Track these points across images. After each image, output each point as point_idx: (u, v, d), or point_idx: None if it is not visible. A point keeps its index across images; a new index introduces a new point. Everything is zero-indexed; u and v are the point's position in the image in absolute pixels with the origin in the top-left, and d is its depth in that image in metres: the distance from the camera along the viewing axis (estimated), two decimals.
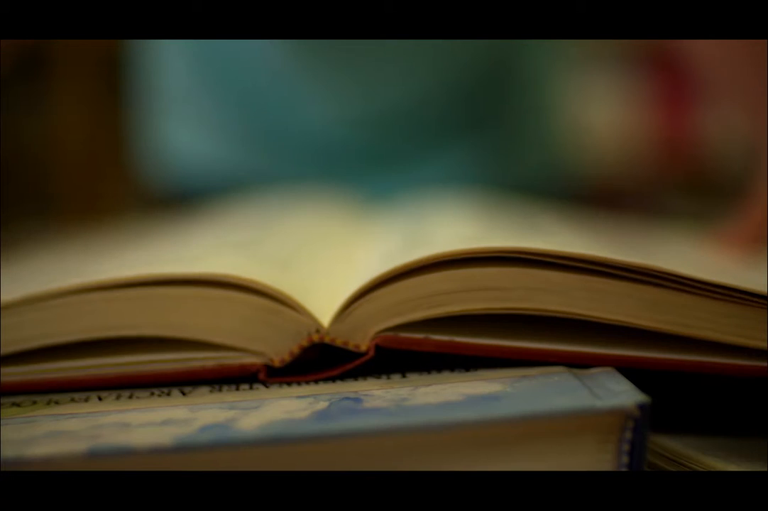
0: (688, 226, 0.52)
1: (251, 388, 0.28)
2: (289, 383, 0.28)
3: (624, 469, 0.23)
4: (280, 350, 0.28)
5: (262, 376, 0.28)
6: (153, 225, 0.56)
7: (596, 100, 1.75)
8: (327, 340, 0.28)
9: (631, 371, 0.27)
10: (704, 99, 1.25)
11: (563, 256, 0.27)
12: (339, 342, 0.28)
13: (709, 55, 0.55)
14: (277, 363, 0.28)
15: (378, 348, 0.28)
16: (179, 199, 0.77)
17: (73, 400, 0.28)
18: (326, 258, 0.37)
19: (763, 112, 0.47)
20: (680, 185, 1.73)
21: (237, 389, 0.28)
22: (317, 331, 0.28)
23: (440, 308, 0.28)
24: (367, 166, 0.72)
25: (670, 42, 0.61)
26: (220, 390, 0.28)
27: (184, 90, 0.79)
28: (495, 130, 0.76)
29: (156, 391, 0.28)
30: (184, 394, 0.28)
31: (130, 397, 0.28)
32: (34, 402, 0.28)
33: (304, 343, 0.28)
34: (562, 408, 0.23)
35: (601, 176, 1.64)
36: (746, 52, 0.52)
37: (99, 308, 0.28)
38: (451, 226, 0.36)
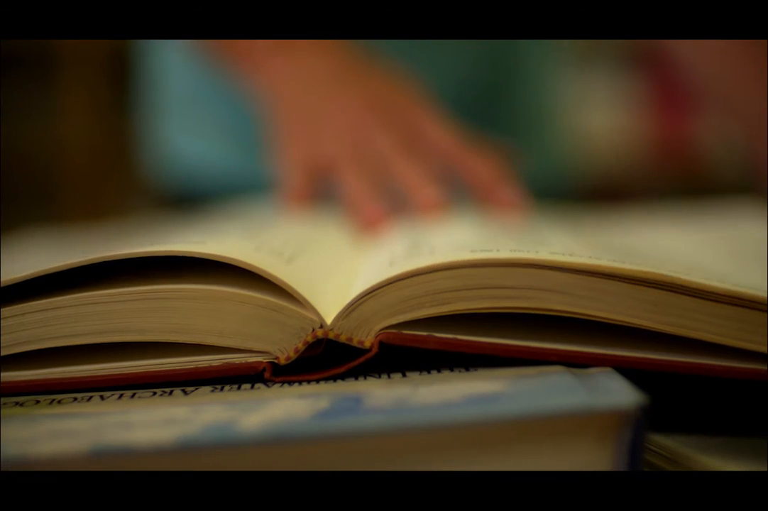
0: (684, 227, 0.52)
1: (253, 387, 0.28)
2: (290, 383, 0.28)
3: (622, 468, 0.24)
4: (284, 348, 0.28)
5: (267, 375, 0.28)
6: (157, 223, 0.56)
7: (595, 103, 1.75)
8: (331, 336, 0.28)
9: (630, 370, 0.27)
10: (701, 101, 1.25)
11: (570, 268, 0.27)
12: (343, 338, 0.28)
13: (705, 58, 0.55)
14: (282, 361, 0.28)
15: (381, 345, 0.28)
16: (185, 201, 0.77)
17: (75, 399, 0.28)
18: (329, 255, 0.38)
19: (763, 115, 0.47)
20: (676, 188, 1.73)
21: (239, 388, 0.28)
22: (321, 327, 0.28)
23: (444, 306, 0.28)
24: None
25: (666, 45, 0.62)
26: (221, 390, 0.28)
27: (192, 92, 0.79)
28: (496, 132, 0.76)
29: (158, 390, 0.28)
30: (186, 393, 0.28)
31: (133, 396, 0.28)
32: (37, 402, 0.28)
33: (309, 339, 0.28)
34: (561, 408, 0.23)
35: (599, 177, 1.64)
36: (742, 56, 0.52)
37: (104, 309, 0.29)
38: (456, 233, 0.37)
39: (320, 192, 0.50)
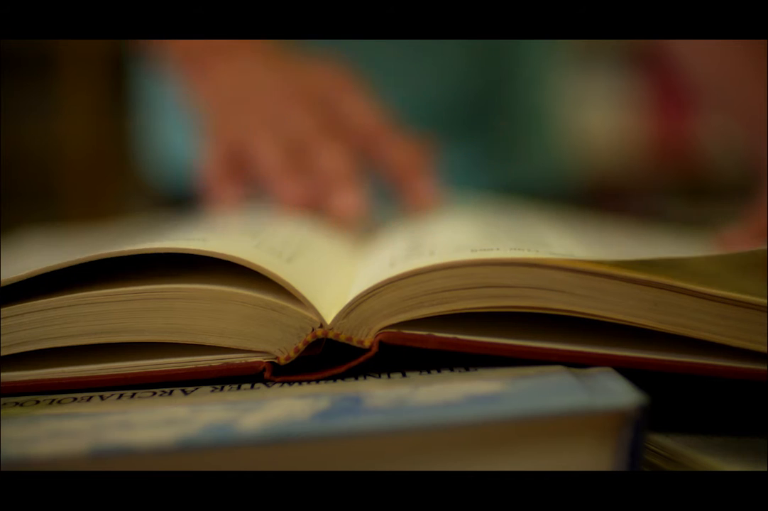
0: (686, 228, 0.52)
1: (253, 387, 0.28)
2: (290, 383, 0.28)
3: (622, 468, 0.24)
4: (284, 347, 0.28)
5: (267, 375, 0.28)
6: (157, 222, 0.56)
7: (595, 103, 1.74)
8: (331, 335, 0.28)
9: (630, 370, 0.27)
10: (701, 101, 1.26)
11: (571, 269, 0.27)
12: (343, 338, 0.28)
13: (705, 58, 0.55)
14: (282, 361, 0.28)
15: (381, 345, 0.28)
16: (184, 201, 0.77)
17: (75, 399, 0.28)
18: (329, 255, 0.38)
19: (762, 115, 0.47)
20: (676, 188, 1.73)
21: (239, 388, 0.28)
22: (321, 326, 0.28)
23: (444, 306, 0.28)
24: None
25: (666, 45, 0.62)
26: (221, 390, 0.28)
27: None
28: (495, 133, 0.76)
29: (158, 391, 0.28)
30: (186, 393, 0.28)
31: (133, 396, 0.28)
32: (37, 402, 0.28)
33: (309, 338, 0.28)
34: (561, 408, 0.23)
35: (598, 177, 1.64)
36: (742, 56, 0.52)
37: (103, 309, 0.28)
38: (455, 232, 0.37)
39: (244, 183, 0.50)
